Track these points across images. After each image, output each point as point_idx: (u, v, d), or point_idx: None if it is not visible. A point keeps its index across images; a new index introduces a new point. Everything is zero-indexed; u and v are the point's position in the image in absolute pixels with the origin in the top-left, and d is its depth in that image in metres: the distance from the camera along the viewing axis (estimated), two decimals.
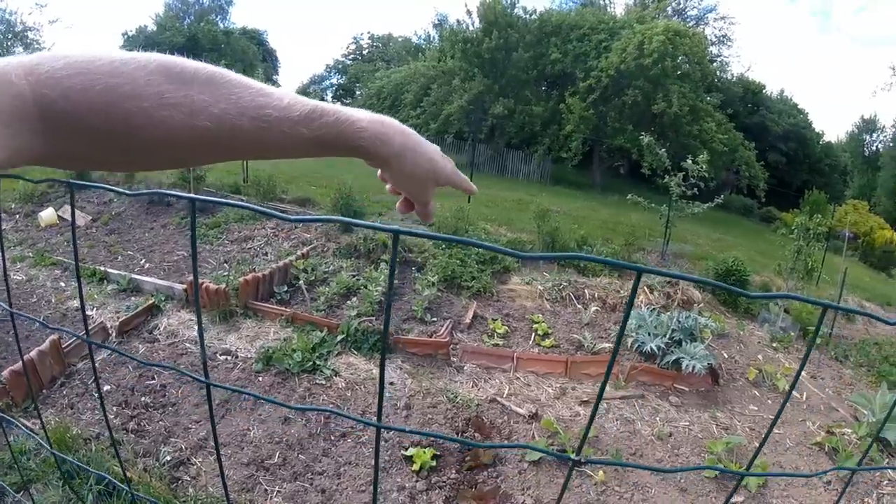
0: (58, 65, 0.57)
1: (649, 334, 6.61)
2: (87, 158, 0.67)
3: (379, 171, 0.87)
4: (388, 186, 0.90)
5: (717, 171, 22.44)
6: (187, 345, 5.74)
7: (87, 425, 4.41)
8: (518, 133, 23.24)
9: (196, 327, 6.01)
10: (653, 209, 11.19)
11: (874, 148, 47.31)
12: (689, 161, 10.57)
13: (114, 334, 5.86)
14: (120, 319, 6.04)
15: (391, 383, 5.60)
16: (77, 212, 9.69)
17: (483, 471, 4.43)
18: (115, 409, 4.58)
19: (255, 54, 40.51)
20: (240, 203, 0.73)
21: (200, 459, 4.13)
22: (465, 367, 6.06)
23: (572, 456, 0.67)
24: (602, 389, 0.67)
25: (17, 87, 0.55)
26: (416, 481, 4.24)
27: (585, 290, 8.41)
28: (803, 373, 7.87)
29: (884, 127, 47.48)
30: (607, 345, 6.81)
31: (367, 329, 6.35)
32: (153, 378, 5.03)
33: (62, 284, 7.18)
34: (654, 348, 6.33)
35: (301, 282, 7.42)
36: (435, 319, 6.97)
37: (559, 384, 5.92)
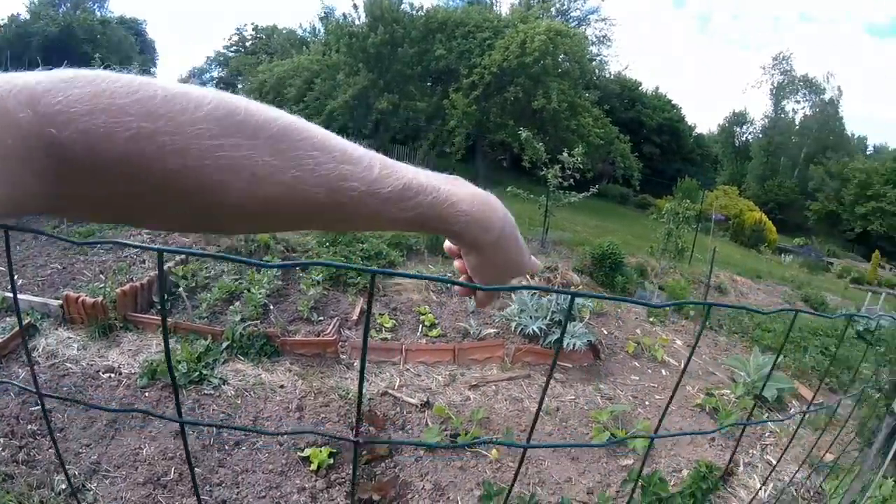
0: (73, 94, 0.43)
1: (531, 317, 6.93)
2: (116, 215, 0.52)
3: (448, 243, 0.75)
4: (456, 262, 0.77)
5: (594, 162, 23.75)
6: (68, 365, 5.31)
7: None
8: (402, 128, 23.38)
9: (75, 345, 5.71)
10: (531, 199, 11.67)
11: (744, 139, 52.42)
12: (566, 154, 11.10)
13: None
14: None
15: (281, 386, 5.52)
16: None
17: (381, 462, 4.50)
18: (1, 440, 4.21)
19: (132, 46, 37.95)
20: (228, 256, 0.60)
21: (95, 484, 3.90)
22: (355, 364, 6.08)
23: (518, 442, 0.73)
24: (548, 381, 0.73)
25: (16, 118, 0.41)
26: (316, 480, 4.23)
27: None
28: (679, 342, 8.67)
29: (753, 120, 52.81)
30: (492, 330, 7.07)
31: (253, 333, 6.18)
32: (37, 404, 4.59)
33: None
34: (536, 330, 6.67)
35: (181, 289, 7.10)
36: (322, 318, 6.91)
37: (448, 371, 6.09)
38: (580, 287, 9.92)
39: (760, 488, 4.97)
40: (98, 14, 38.11)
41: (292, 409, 5.15)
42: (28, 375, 5.12)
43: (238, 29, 42.68)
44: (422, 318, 7.27)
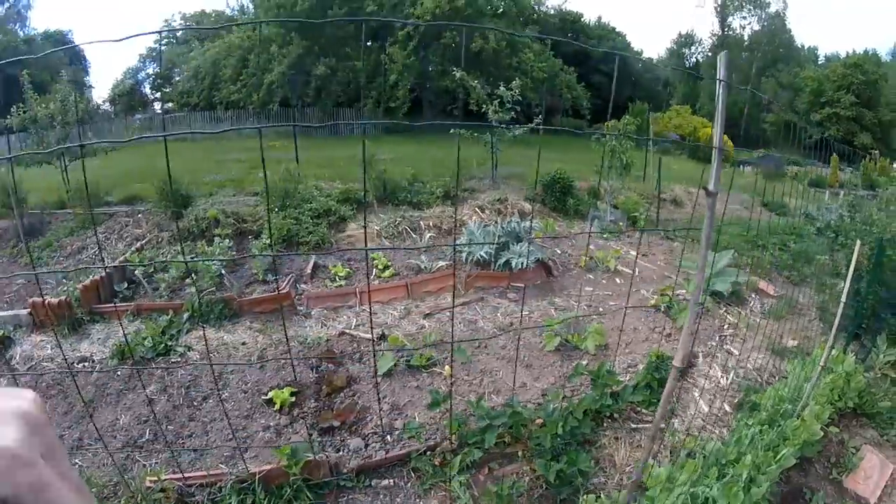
0: None
1: (480, 244, 7.11)
2: None
3: None
4: None
5: (542, 97, 23.75)
6: (45, 364, 5.56)
7: None
8: (345, 91, 23.09)
9: (48, 345, 5.85)
10: (475, 139, 11.73)
11: (694, 60, 52.54)
12: (502, 88, 11.15)
13: None
14: None
15: (243, 343, 5.74)
16: None
17: (340, 392, 4.70)
18: None
19: (61, 59, 36.54)
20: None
21: (79, 458, 4.18)
22: (313, 313, 6.26)
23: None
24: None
25: None
26: (280, 418, 4.47)
27: (420, 222, 8.83)
28: (633, 253, 8.89)
29: (701, 40, 52.86)
30: (444, 263, 7.24)
31: (211, 301, 6.36)
32: None
33: None
34: (485, 255, 6.85)
35: (137, 272, 7.29)
36: (277, 277, 7.08)
37: (403, 306, 6.28)
38: (532, 214, 10.12)
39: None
40: (21, 33, 36.47)
41: (254, 361, 5.34)
42: (9, 383, 5.37)
43: (166, 21, 41.27)
44: (374, 262, 7.42)
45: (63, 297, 6.31)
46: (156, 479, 3.51)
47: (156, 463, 4.05)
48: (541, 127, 12.36)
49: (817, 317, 6.72)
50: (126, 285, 7.16)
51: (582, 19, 40.02)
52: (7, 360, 5.78)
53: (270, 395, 4.66)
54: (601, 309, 6.64)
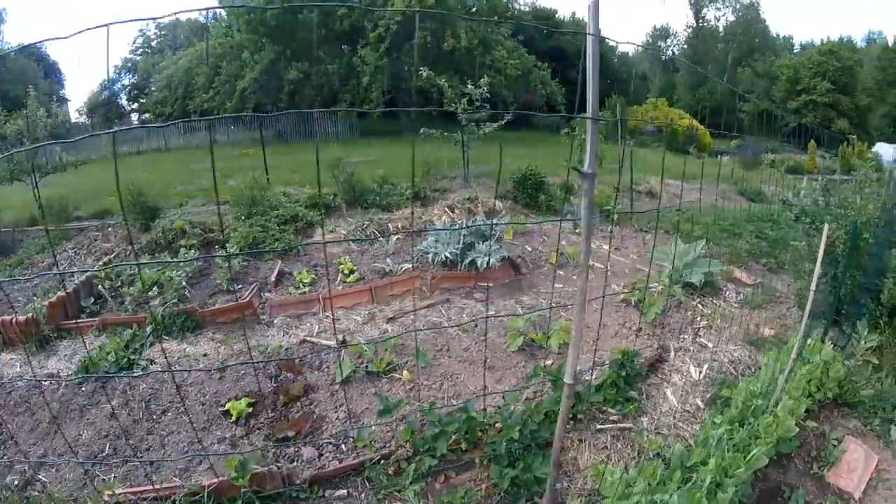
0: None
1: (446, 244, 7.06)
2: None
3: None
4: None
5: (518, 95, 23.75)
6: (15, 382, 5.47)
7: None
8: (318, 94, 22.92)
9: (17, 363, 5.81)
10: (446, 138, 11.67)
11: (669, 52, 52.75)
12: (470, 85, 11.09)
13: None
14: None
15: (205, 355, 5.67)
16: None
17: (297, 402, 4.63)
18: None
19: (35, 72, 35.93)
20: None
21: (43, 474, 4.20)
22: (276, 321, 6.19)
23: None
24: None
25: None
26: (236, 430, 4.42)
27: (389, 225, 8.77)
28: (605, 247, 8.80)
29: (676, 32, 53.11)
30: (409, 265, 7.18)
31: (173, 312, 6.30)
32: None
33: None
34: (449, 255, 6.78)
35: (100, 287, 7.24)
36: (240, 286, 7.02)
37: (367, 311, 6.22)
38: (503, 212, 10.08)
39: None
40: None
41: (213, 372, 5.25)
42: None
43: (141, 30, 40.88)
44: (340, 267, 7.35)
45: (30, 315, 6.28)
46: (111, 493, 3.53)
47: (114, 477, 4.03)
48: (506, 113, 12.24)
49: (795, 304, 6.61)
50: (93, 300, 7.12)
51: (556, 15, 40.07)
52: None
53: (228, 406, 4.60)
54: (569, 305, 6.53)
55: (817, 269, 3.74)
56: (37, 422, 4.85)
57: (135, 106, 39.37)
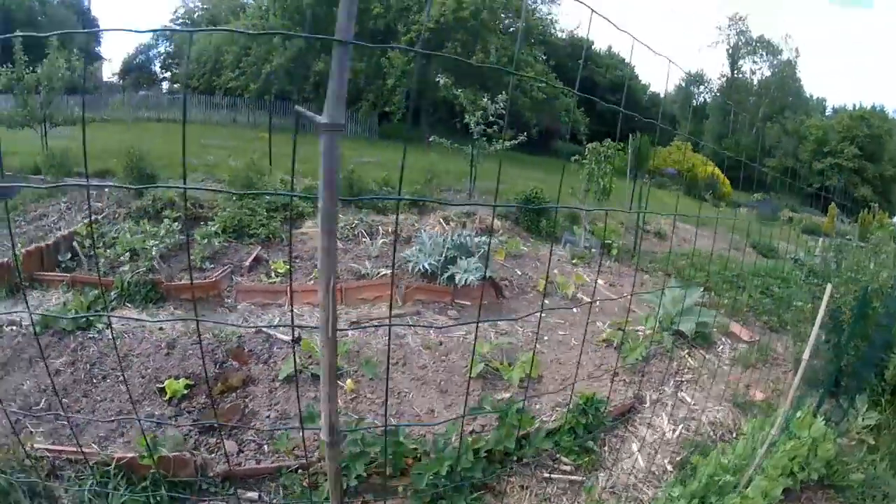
0: None
1: (428, 255, 6.88)
2: None
3: None
4: None
5: (542, 120, 23.66)
6: None
7: None
8: None
9: None
10: (456, 150, 11.56)
11: (701, 99, 52.39)
12: (485, 100, 10.99)
13: None
14: None
15: (160, 328, 5.55)
16: None
17: (233, 392, 4.49)
18: None
19: (74, 25, 36.38)
20: None
21: None
22: (239, 307, 6.07)
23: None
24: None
25: None
26: (167, 409, 4.33)
27: (380, 227, 8.63)
28: (600, 281, 8.57)
29: (710, 80, 52.77)
30: (388, 271, 7.02)
31: (140, 281, 6.24)
32: None
33: None
34: (427, 266, 6.61)
35: (75, 245, 7.19)
36: (213, 266, 6.91)
37: None
38: (501, 232, 9.91)
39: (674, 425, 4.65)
40: None
41: (163, 347, 5.20)
42: None
43: (183, 1, 41.33)
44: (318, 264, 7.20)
45: (4, 260, 6.40)
46: (32, 446, 3.57)
47: (41, 431, 4.04)
48: (515, 133, 12.10)
49: (793, 369, 5.95)
50: (70, 256, 7.13)
51: (592, 46, 39.95)
52: None
53: (165, 384, 4.50)
54: (546, 338, 6.19)
55: (814, 333, 3.42)
56: None
57: (167, 74, 39.69)
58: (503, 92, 11.32)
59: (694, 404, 4.99)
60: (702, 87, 53.05)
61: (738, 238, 15.23)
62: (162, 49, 41.29)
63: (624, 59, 39.90)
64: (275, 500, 3.41)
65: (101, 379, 4.77)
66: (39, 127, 11.28)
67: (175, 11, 40.85)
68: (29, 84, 11.03)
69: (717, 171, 29.31)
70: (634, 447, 4.32)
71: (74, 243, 7.14)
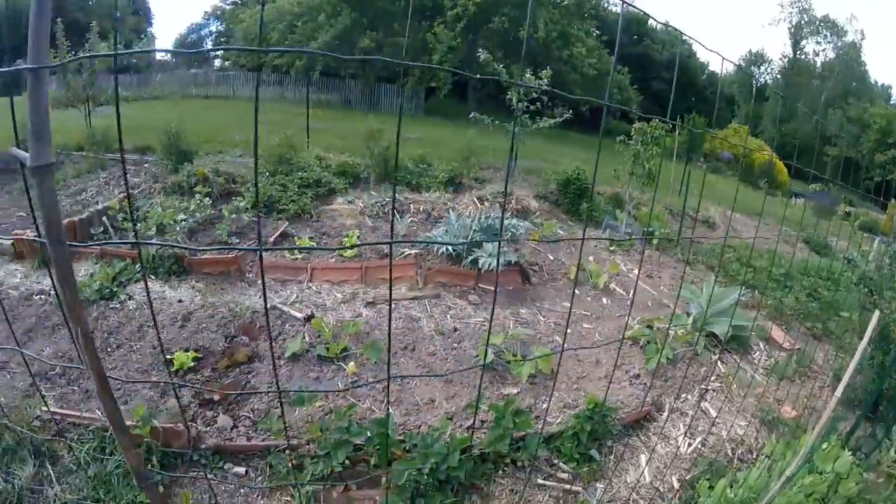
0: None
1: (454, 237, 6.67)
2: None
3: None
4: None
5: (591, 95, 22.89)
6: (10, 291, 5.91)
7: None
8: (387, 66, 22.73)
9: (19, 274, 6.16)
10: (498, 127, 11.22)
11: (763, 80, 49.64)
12: (528, 75, 10.58)
13: None
14: None
15: (179, 301, 5.63)
16: None
17: (237, 368, 4.46)
18: None
19: (125, 8, 37.41)
20: None
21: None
22: (259, 282, 5.98)
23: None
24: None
25: None
26: (173, 379, 4.36)
27: (411, 206, 8.46)
28: (636, 271, 8.13)
29: (771, 60, 49.98)
30: (413, 251, 6.83)
31: (163, 255, 6.28)
32: None
33: None
34: (451, 249, 6.38)
35: (105, 219, 7.38)
36: (238, 241, 6.91)
37: (352, 290, 5.94)
38: (538, 213, 9.58)
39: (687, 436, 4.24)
40: None
41: (178, 320, 5.25)
42: None
43: None
44: (345, 240, 7.10)
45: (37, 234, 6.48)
46: (42, 409, 3.78)
47: (53, 396, 4.21)
48: (561, 108, 11.66)
49: (830, 385, 5.30)
50: (102, 230, 7.33)
51: (648, 22, 38.28)
52: None
53: (174, 355, 4.57)
54: (568, 332, 5.71)
55: (858, 354, 2.80)
56: (14, 330, 4.96)
57: (219, 53, 40.30)
58: (547, 67, 10.87)
59: (717, 416, 4.48)
60: (762, 68, 50.34)
61: (790, 231, 14.34)
62: (213, 28, 42.10)
63: (681, 35, 37.94)
64: (259, 478, 3.37)
65: (115, 348, 4.91)
66: (83, 107, 11.58)
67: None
68: (71, 67, 11.39)
69: (774, 157, 27.89)
70: (643, 459, 3.94)
71: (104, 218, 7.26)
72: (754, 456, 4.11)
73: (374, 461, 3.32)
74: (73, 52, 11.38)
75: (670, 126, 11.05)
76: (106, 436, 3.51)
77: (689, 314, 6.11)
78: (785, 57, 47.69)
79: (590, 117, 23.67)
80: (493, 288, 6.33)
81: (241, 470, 3.41)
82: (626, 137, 10.29)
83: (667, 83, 35.23)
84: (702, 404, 4.71)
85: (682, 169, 13.55)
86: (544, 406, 4.30)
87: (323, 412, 3.83)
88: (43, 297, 5.80)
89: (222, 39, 40.27)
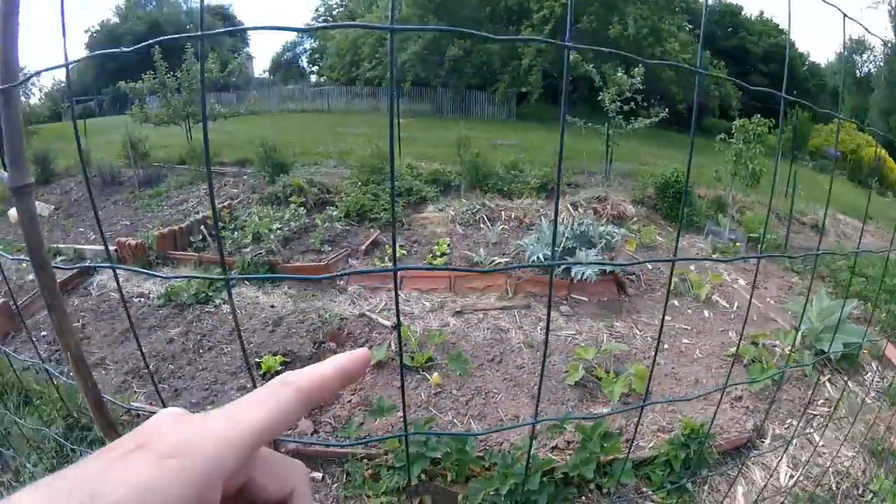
0: None
1: (546, 245, 6.41)
2: None
3: None
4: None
5: (688, 93, 21.87)
6: (111, 294, 6.37)
7: (26, 361, 5.03)
8: (477, 73, 22.66)
9: (120, 279, 6.64)
10: (590, 129, 10.86)
11: (866, 69, 45.32)
12: (620, 73, 10.18)
13: None
14: (59, 281, 6.36)
15: (272, 306, 5.81)
16: (41, 203, 10.59)
17: None
18: (45, 347, 5.30)
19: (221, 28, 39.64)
20: None
21: (95, 374, 4.48)
22: (349, 289, 6.06)
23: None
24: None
25: None
26: (258, 383, 4.33)
27: (502, 213, 8.31)
28: (742, 281, 7.51)
29: (874, 47, 45.51)
30: (503, 260, 6.66)
31: (259, 261, 6.58)
32: (77, 321, 5.81)
33: (24, 265, 7.56)
34: (542, 257, 6.13)
35: (203, 228, 7.79)
36: (330, 249, 7.11)
37: (440, 299, 5.84)
38: (634, 220, 9.12)
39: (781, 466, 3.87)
40: (184, 6, 40.18)
41: (269, 324, 5.41)
42: (80, 303, 6.30)
43: (323, 0, 43.83)
44: (435, 248, 7.04)
45: (140, 241, 7.21)
46: (129, 405, 3.77)
47: (144, 392, 4.45)
48: (658, 108, 11.13)
49: None
50: (201, 238, 7.74)
51: (742, 13, 36.05)
52: (86, 285, 6.76)
53: (263, 359, 4.70)
54: (665, 347, 5.29)
55: None
56: (112, 330, 5.56)
57: (314, 68, 42.05)
58: (639, 65, 10.40)
59: (822, 445, 3.98)
60: (865, 55, 45.74)
61: None
62: (307, 45, 43.95)
63: (777, 25, 35.45)
64: (335, 485, 3.34)
65: (207, 350, 5.10)
66: (184, 123, 12.31)
67: (316, 10, 43.21)
68: (171, 86, 12.21)
69: (883, 152, 25.30)
70: (739, 492, 3.51)
71: (202, 227, 7.61)
72: (860, 491, 3.58)
73: (451, 477, 3.16)
74: (172, 73, 12.18)
75: (772, 122, 10.17)
76: None
77: (797, 329, 5.42)
78: (887, 43, 43.10)
79: (688, 116, 22.59)
80: (586, 299, 6.03)
81: (318, 475, 3.40)
82: (726, 135, 9.59)
83: (765, 76, 32.88)
84: (807, 430, 4.21)
85: (786, 168, 12.54)
86: (635, 428, 3.96)
87: (397, 422, 3.74)
88: (142, 299, 6.20)
89: (316, 56, 41.91)
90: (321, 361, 0.45)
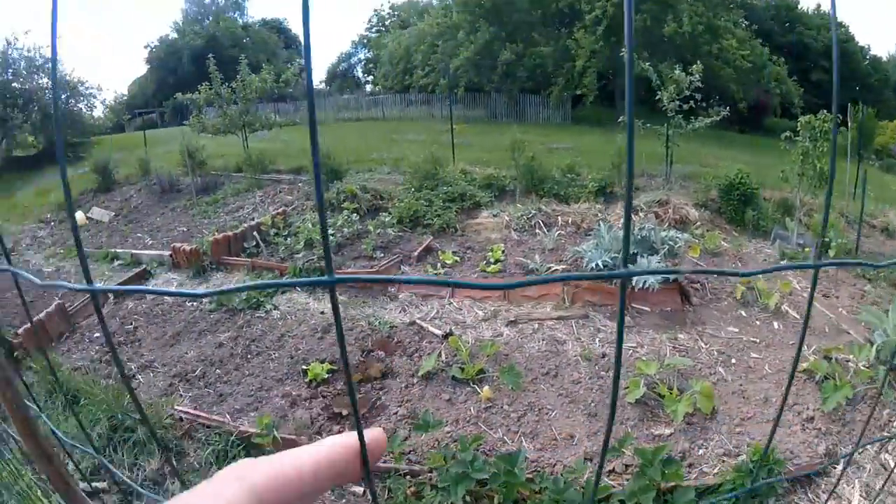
0: None
1: (605, 251, 6.14)
2: None
3: None
4: None
5: (747, 91, 20.99)
6: (166, 298, 6.47)
7: (77, 361, 5.31)
8: (530, 77, 22.34)
9: (175, 282, 6.99)
10: (648, 130, 10.48)
11: None
12: (678, 71, 9.77)
13: (111, 297, 6.63)
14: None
15: (321, 312, 5.79)
16: (101, 210, 11.30)
17: (369, 383, 4.40)
18: (97, 348, 5.52)
19: (276, 43, 40.75)
20: None
21: (143, 376, 4.97)
22: (400, 296, 5.97)
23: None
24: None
25: None
26: (303, 390, 4.43)
27: (559, 218, 8.05)
28: (815, 291, 6.96)
29: None
30: (560, 267, 6.42)
31: (310, 268, 6.63)
32: (130, 324, 6.02)
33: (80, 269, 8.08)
34: (601, 264, 5.86)
35: (256, 234, 7.89)
36: (382, 256, 7.07)
37: (493, 307, 5.65)
38: (697, 224, 8.69)
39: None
40: (239, 21, 41.43)
41: (318, 331, 5.38)
42: (133, 307, 6.49)
43: (375, 10, 44.40)
44: (489, 255, 6.86)
45: (194, 247, 7.42)
46: (174, 407, 4.05)
47: (189, 396, 4.53)
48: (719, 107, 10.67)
49: None
50: (255, 244, 7.83)
51: (798, 7, 34.42)
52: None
53: (309, 366, 4.69)
54: (732, 362, 4.92)
55: None
56: (163, 333, 5.69)
57: (369, 78, 42.66)
58: (698, 62, 9.98)
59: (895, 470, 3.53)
60: None
61: None
62: (361, 56, 44.69)
63: (836, 18, 33.40)
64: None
65: (255, 355, 5.14)
66: (240, 133, 12.57)
67: (369, 21, 43.88)
68: (227, 97, 12.52)
69: None
70: None
71: (255, 233, 7.72)
72: None
73: (498, 500, 2.96)
74: (227, 85, 12.48)
75: (839, 119, 9.46)
76: (231, 439, 3.67)
77: (871, 343, 4.92)
78: None
79: (749, 115, 21.67)
80: (648, 309, 5.70)
81: (359, 490, 3.32)
82: (791, 133, 9.02)
83: (827, 73, 31.18)
84: (882, 455, 3.75)
85: (853, 168, 11.76)
86: (701, 452, 3.62)
87: (451, 438, 3.57)
88: (193, 304, 6.30)
89: (370, 66, 42.50)
90: (304, 447, 0.35)
